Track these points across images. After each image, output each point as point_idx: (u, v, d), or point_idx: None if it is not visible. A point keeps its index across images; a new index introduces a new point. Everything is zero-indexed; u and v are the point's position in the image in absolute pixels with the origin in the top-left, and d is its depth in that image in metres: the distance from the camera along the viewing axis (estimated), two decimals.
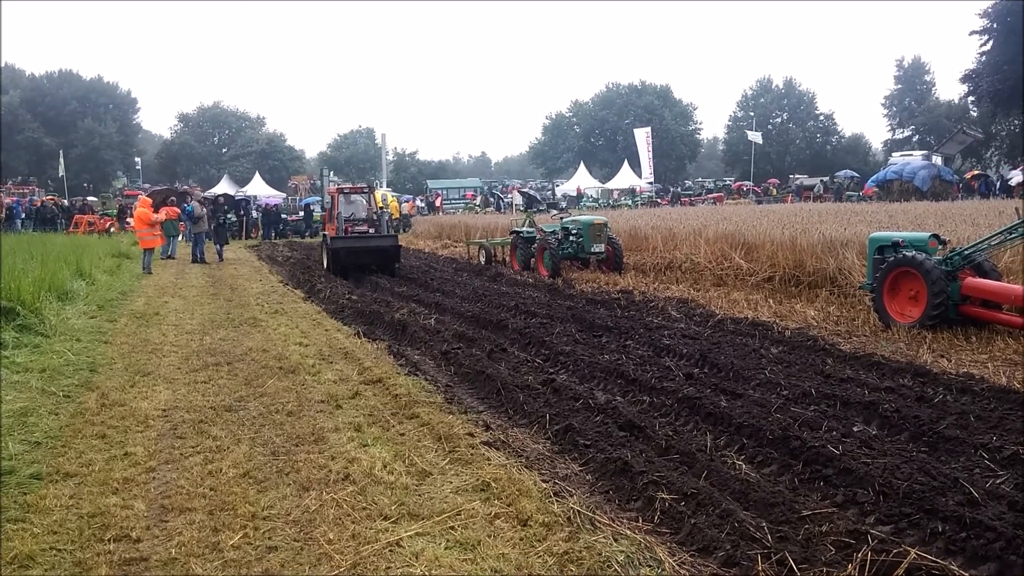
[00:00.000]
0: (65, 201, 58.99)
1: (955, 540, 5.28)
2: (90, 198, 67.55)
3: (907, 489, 5.93)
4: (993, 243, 12.09)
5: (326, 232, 25.28)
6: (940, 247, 12.67)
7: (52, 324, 13.26)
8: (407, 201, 63.81)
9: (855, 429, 7.55)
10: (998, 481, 6.17)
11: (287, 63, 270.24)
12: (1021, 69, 54.50)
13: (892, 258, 12.44)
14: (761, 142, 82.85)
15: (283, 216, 47.68)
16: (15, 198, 57.81)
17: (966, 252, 12.04)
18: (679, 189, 75.42)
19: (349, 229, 23.82)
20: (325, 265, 23.98)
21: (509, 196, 66.55)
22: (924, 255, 12.09)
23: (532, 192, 67.95)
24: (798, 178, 71.68)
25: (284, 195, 74.27)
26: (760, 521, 5.63)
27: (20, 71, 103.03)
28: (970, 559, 5.11)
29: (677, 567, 5.15)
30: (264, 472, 6.96)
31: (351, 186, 28.65)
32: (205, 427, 8.26)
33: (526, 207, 53.43)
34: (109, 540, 5.62)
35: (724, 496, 6.10)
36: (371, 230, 24.21)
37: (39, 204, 54.68)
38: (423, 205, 63.78)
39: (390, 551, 5.42)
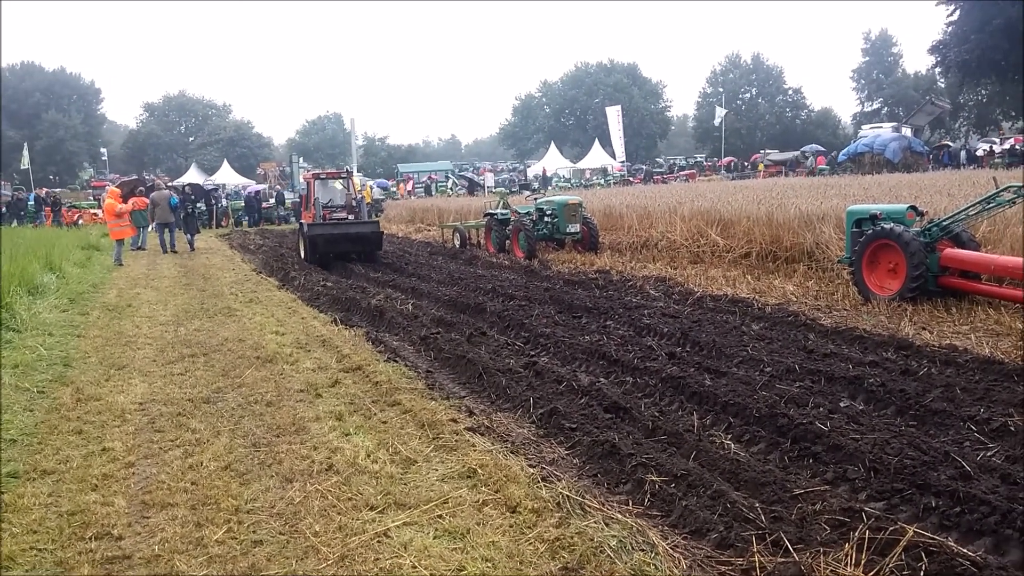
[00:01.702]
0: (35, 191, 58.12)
1: (949, 515, 5.23)
2: (56, 189, 66.86)
3: (898, 464, 5.88)
4: (971, 213, 12.08)
5: (302, 220, 24.44)
6: (918, 219, 12.65)
7: (23, 319, 13.02)
8: (400, 183, 64.62)
9: (842, 404, 7.52)
10: (989, 453, 6.14)
11: (253, 50, 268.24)
12: (987, 39, 54.81)
13: (870, 231, 12.42)
14: (721, 121, 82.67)
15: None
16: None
17: (944, 223, 12.04)
18: (650, 167, 75.00)
19: (327, 216, 23.02)
20: (302, 254, 23.21)
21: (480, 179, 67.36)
22: (902, 227, 12.05)
23: (471, 175, 70.09)
24: (770, 153, 71.82)
25: (265, 184, 73.77)
26: (752, 501, 5.56)
27: None
28: (965, 534, 5.07)
29: (671, 550, 5.07)
30: (246, 464, 6.82)
31: (328, 171, 27.81)
32: (183, 420, 8.10)
33: (469, 190, 54.50)
34: (90, 538, 5.48)
35: (714, 476, 6.04)
36: (350, 216, 23.46)
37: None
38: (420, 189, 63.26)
39: (378, 542, 5.31)
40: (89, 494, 6.23)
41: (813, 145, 71.62)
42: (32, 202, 50.77)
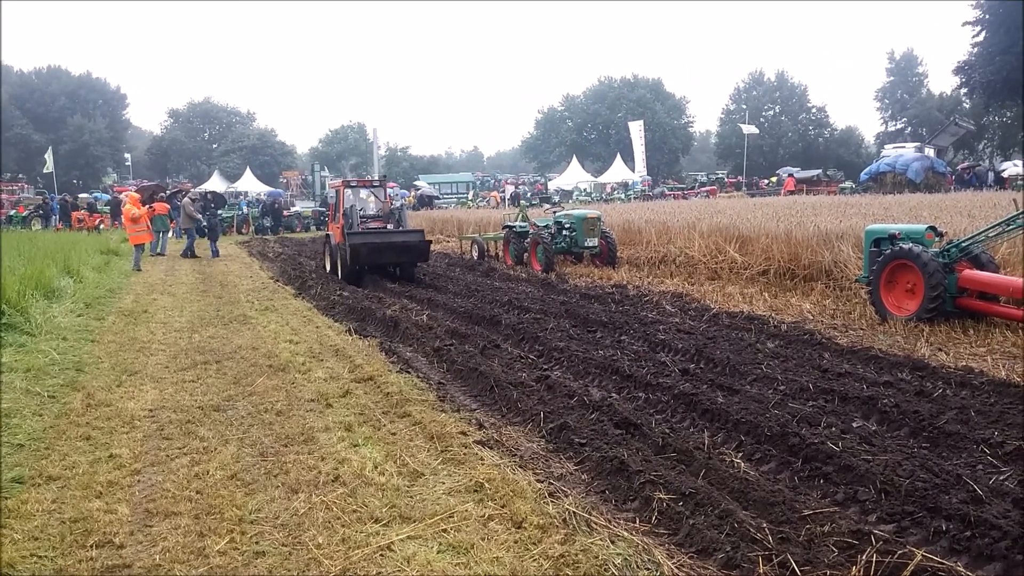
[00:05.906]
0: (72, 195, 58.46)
1: (959, 539, 5.15)
2: (81, 195, 67.47)
3: (909, 487, 5.80)
4: (991, 235, 11.95)
5: (330, 232, 22.56)
6: (937, 239, 12.55)
7: (38, 323, 13.02)
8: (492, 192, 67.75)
9: (854, 425, 7.43)
10: (1001, 477, 6.04)
11: (278, 58, 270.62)
12: (1013, 60, 54.42)
13: (888, 251, 12.31)
14: (757, 131, 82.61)
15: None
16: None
17: (963, 244, 11.92)
18: (663, 188, 72.48)
19: (362, 226, 21.10)
20: (329, 268, 22.01)
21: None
22: (921, 247, 11.94)
23: (429, 192, 71.37)
24: (790, 171, 71.61)
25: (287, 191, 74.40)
26: (760, 521, 5.49)
27: (8, 68, 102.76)
28: (975, 558, 4.98)
29: (676, 570, 5.00)
30: (252, 474, 6.79)
31: (359, 179, 26.75)
32: (192, 428, 8.09)
33: (419, 204, 56.12)
34: (92, 546, 5.45)
35: (723, 495, 5.96)
36: (387, 226, 21.77)
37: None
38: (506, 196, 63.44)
39: (381, 555, 5.27)
40: (93, 501, 6.20)
41: (787, 168, 71.77)
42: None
